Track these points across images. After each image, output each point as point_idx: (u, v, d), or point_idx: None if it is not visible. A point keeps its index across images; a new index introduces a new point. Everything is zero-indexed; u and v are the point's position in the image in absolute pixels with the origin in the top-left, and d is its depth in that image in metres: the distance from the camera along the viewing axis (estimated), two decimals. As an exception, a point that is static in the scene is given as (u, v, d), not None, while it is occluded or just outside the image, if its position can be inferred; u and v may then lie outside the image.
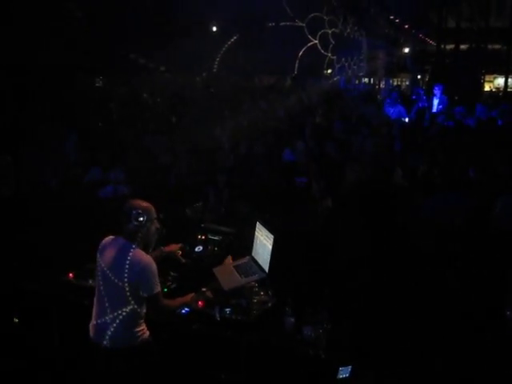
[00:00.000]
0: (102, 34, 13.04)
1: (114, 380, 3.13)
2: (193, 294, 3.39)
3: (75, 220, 4.53)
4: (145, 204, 3.17)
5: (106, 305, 3.07)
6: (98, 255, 3.18)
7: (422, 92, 14.60)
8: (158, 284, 3.08)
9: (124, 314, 3.04)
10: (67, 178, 6.41)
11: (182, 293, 3.42)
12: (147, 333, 3.16)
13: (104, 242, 3.22)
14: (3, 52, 9.86)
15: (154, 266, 3.06)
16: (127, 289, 3.01)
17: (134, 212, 3.09)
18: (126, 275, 2.99)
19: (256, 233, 4.01)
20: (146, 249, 3.21)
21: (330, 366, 3.00)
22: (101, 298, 3.11)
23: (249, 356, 3.22)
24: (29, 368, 3.85)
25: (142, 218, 3.09)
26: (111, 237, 3.21)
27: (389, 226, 4.34)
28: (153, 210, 3.20)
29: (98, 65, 13.23)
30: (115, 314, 3.04)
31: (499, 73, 24.54)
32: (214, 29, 19.01)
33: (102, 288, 3.10)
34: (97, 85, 15.27)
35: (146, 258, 3.07)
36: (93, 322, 3.16)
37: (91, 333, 3.15)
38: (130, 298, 3.02)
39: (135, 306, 3.06)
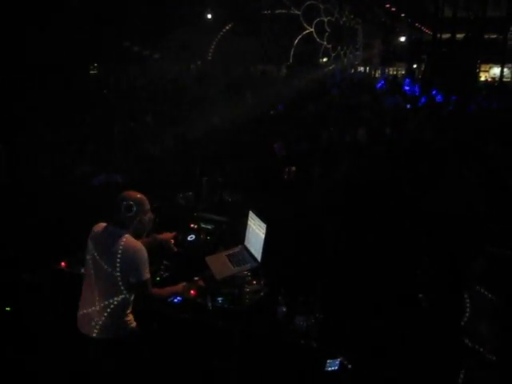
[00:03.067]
0: (96, 22, 12.93)
1: (103, 370, 3.10)
2: (184, 283, 3.38)
3: (67, 208, 4.50)
4: (137, 195, 3.14)
5: (96, 294, 3.03)
6: (90, 242, 3.13)
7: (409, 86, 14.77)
8: (148, 271, 3.04)
9: (115, 303, 3.00)
10: (60, 168, 6.38)
11: (175, 281, 3.40)
12: (134, 323, 3.14)
13: (95, 229, 3.17)
14: None
15: (144, 252, 3.03)
16: (119, 278, 2.97)
17: (125, 203, 3.06)
18: (118, 263, 2.96)
19: (249, 222, 3.98)
20: (138, 237, 3.18)
21: (321, 357, 2.99)
22: (90, 286, 3.06)
23: (241, 345, 3.21)
24: (20, 357, 3.83)
25: (133, 210, 3.07)
26: (102, 224, 3.16)
27: (382, 215, 4.33)
28: (145, 201, 3.17)
29: (92, 53, 13.13)
30: (106, 303, 3.00)
31: (495, 62, 24.53)
32: (209, 16, 18.86)
33: (92, 277, 3.06)
34: (91, 72, 15.15)
35: (138, 245, 3.04)
36: (81, 311, 3.11)
37: (79, 323, 3.11)
38: (122, 288, 2.99)
39: (127, 296, 3.03)
